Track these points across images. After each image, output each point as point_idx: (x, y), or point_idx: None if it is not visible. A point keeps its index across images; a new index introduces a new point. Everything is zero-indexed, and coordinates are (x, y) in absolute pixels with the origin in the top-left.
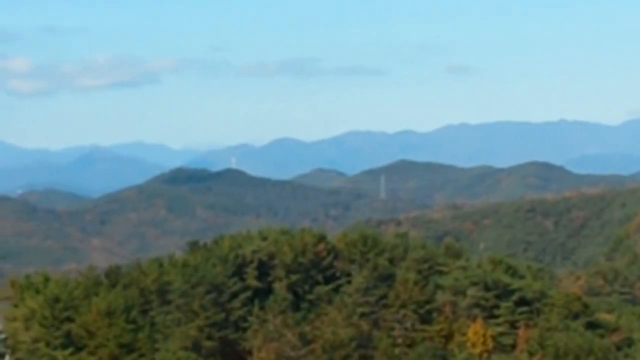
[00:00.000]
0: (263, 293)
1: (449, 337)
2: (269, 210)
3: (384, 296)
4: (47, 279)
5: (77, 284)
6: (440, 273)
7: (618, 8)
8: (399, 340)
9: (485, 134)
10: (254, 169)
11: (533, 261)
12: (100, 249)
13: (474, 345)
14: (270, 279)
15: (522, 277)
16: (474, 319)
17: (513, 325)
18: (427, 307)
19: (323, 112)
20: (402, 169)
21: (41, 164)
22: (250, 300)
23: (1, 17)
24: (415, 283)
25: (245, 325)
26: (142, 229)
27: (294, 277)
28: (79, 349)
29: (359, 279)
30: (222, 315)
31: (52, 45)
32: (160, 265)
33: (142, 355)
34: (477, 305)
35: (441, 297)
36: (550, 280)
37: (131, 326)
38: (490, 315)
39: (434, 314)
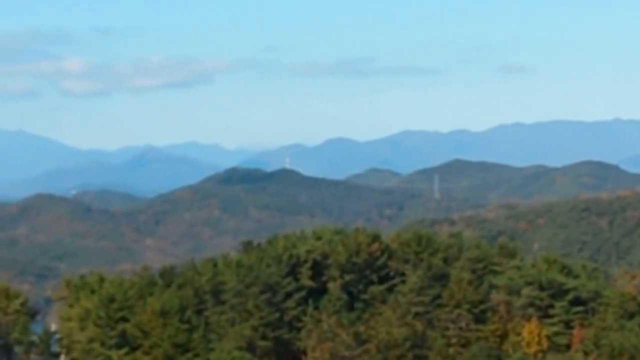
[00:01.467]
0: (317, 293)
1: (503, 337)
2: (323, 210)
3: (438, 296)
4: (102, 279)
5: (131, 284)
6: (495, 273)
7: None
8: (454, 340)
9: (540, 133)
10: (307, 169)
11: (587, 261)
12: (154, 249)
13: (528, 345)
14: (324, 278)
15: (576, 277)
16: (528, 318)
17: (568, 325)
18: (482, 306)
19: (377, 111)
20: (456, 168)
21: (95, 165)
22: (305, 300)
23: (56, 18)
24: (470, 283)
25: (300, 325)
26: (196, 229)
27: (348, 277)
28: (134, 349)
29: (413, 278)
30: (277, 315)
31: (106, 45)
32: (215, 265)
33: (196, 355)
34: (531, 304)
35: (495, 297)
36: (605, 280)
37: (185, 326)
38: (544, 314)
39: (489, 314)
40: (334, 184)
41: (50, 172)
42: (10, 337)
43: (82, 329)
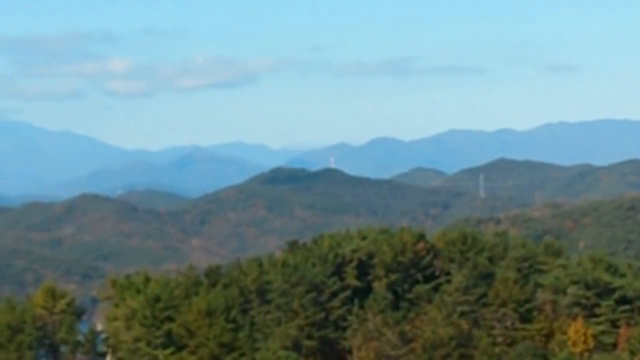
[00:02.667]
0: (362, 292)
1: (549, 336)
2: (368, 209)
3: (484, 295)
4: (147, 279)
5: (177, 284)
6: (540, 272)
7: None
8: (499, 339)
9: (585, 132)
10: (352, 169)
11: (633, 260)
12: (200, 248)
13: (574, 344)
14: (369, 278)
15: (622, 276)
16: (574, 317)
17: (614, 324)
18: (527, 305)
19: (422, 111)
20: (501, 167)
21: (141, 165)
22: (350, 299)
23: (101, 19)
24: (515, 282)
25: (345, 324)
26: (242, 229)
27: (393, 276)
28: (180, 349)
29: (459, 277)
30: (322, 314)
31: (150, 46)
32: (260, 264)
33: (242, 355)
34: (577, 303)
35: (541, 296)
36: None
37: (231, 326)
38: (590, 313)
39: (534, 313)
40: (379, 183)
41: (96, 172)
42: (56, 337)
43: (128, 328)
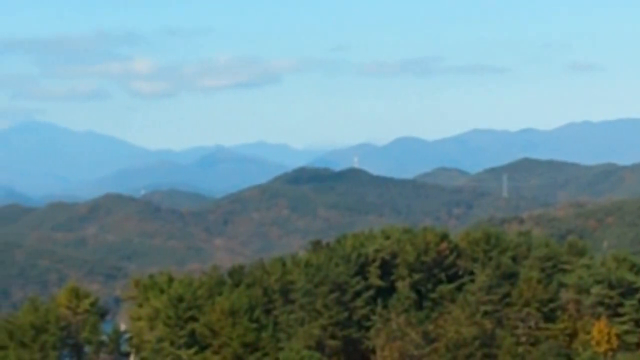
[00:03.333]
0: (386, 292)
1: (573, 336)
2: (392, 209)
3: (507, 294)
4: (171, 279)
5: (200, 284)
6: (564, 271)
7: None
8: (523, 339)
9: (608, 131)
10: (376, 168)
11: None
12: (223, 248)
13: (598, 343)
14: (393, 277)
15: None
16: (598, 317)
17: (638, 323)
18: (551, 305)
19: (445, 110)
20: (524, 167)
21: (164, 165)
22: (373, 299)
23: (124, 20)
24: (539, 281)
25: (369, 324)
26: (265, 229)
27: (416, 276)
28: (203, 348)
29: (482, 277)
30: (345, 314)
31: (174, 46)
32: (284, 264)
33: (265, 355)
34: (601, 303)
35: (565, 296)
36: None
37: (255, 325)
38: (614, 313)
39: (558, 312)
40: (402, 183)
41: (119, 172)
42: (80, 337)
43: (152, 328)
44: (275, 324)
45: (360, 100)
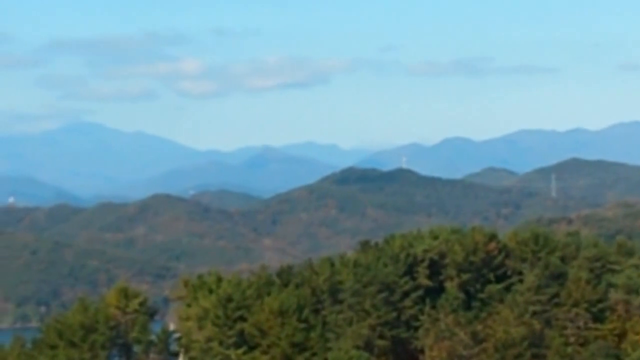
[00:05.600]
0: (434, 292)
1: (621, 336)
2: (440, 209)
3: (556, 295)
4: (219, 279)
5: (249, 284)
6: (613, 271)
7: None
8: (572, 339)
9: None
10: (424, 169)
11: None
12: (272, 248)
13: None
14: (441, 277)
15: None
16: None
17: None
18: (600, 305)
19: (494, 111)
20: (573, 167)
21: (213, 165)
22: (422, 299)
23: (173, 20)
24: (588, 282)
25: (417, 324)
26: (313, 229)
27: (465, 276)
28: (252, 348)
29: (531, 277)
30: (394, 314)
31: (222, 46)
32: (332, 264)
33: (314, 354)
34: None
35: (614, 296)
36: None
37: (303, 325)
38: None
39: (607, 313)
40: (451, 183)
41: (168, 172)
42: (129, 337)
43: (201, 328)
44: (324, 323)
45: (408, 100)
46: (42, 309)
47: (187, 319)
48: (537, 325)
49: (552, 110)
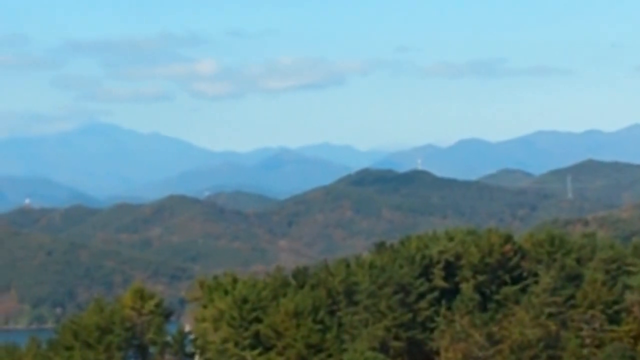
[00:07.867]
0: (450, 293)
1: (637, 338)
2: (455, 211)
3: (572, 296)
4: (235, 280)
5: (265, 285)
6: (629, 273)
7: None
8: (587, 341)
9: None
10: (440, 170)
11: None
12: (287, 250)
13: None
14: (457, 279)
15: None
16: None
17: None
18: (616, 307)
19: (509, 112)
20: (589, 168)
21: (229, 166)
22: (438, 300)
23: (188, 21)
24: (604, 283)
25: (433, 325)
26: (329, 230)
27: (481, 278)
28: (267, 349)
29: (547, 279)
30: (410, 315)
31: (238, 47)
32: (348, 266)
33: (329, 356)
34: None
35: (630, 297)
36: None
37: (319, 326)
38: None
39: (623, 315)
40: (466, 184)
41: (184, 173)
42: (145, 338)
43: (216, 329)
44: (340, 325)
45: (424, 102)
46: (58, 310)
47: (203, 320)
48: (552, 326)
49: (567, 111)
